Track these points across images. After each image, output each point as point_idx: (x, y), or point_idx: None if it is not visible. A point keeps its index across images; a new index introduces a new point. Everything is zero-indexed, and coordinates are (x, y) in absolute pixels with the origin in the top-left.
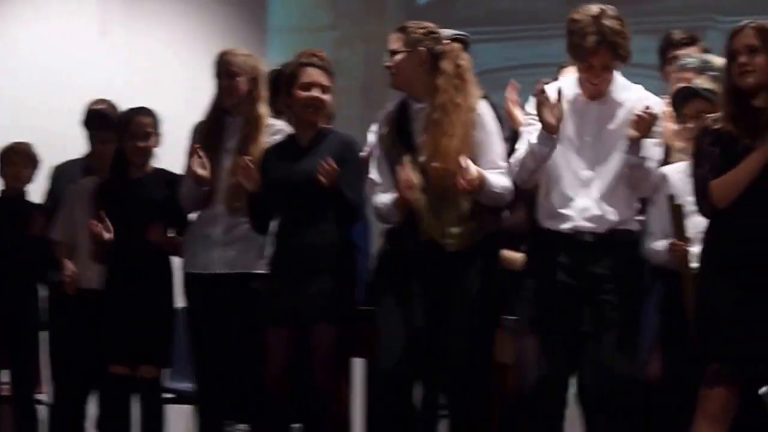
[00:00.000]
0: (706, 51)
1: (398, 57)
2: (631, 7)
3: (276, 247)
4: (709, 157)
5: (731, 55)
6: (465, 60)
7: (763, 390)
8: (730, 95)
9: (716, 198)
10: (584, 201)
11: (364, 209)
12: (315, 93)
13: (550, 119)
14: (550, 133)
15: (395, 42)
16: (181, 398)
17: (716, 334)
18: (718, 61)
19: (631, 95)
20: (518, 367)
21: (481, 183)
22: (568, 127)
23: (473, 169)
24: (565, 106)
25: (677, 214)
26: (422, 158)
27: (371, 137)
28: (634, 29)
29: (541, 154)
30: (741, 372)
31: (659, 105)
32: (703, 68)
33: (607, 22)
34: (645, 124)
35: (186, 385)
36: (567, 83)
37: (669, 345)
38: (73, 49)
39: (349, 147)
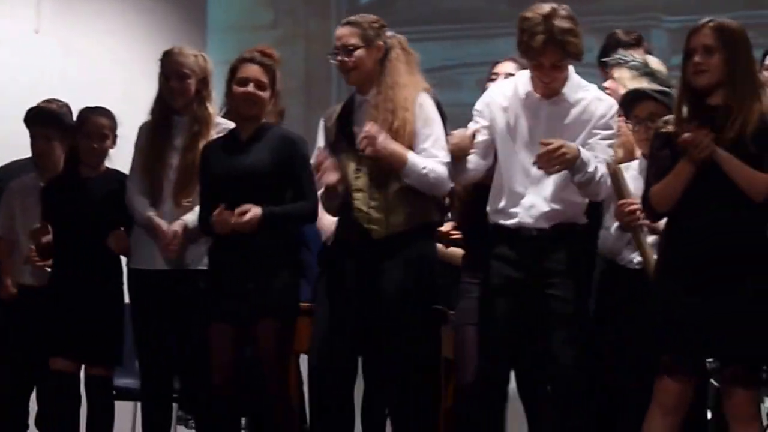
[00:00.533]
0: (649, 52)
1: (358, 53)
2: (575, 7)
3: (216, 243)
4: (657, 162)
5: (687, 53)
6: (411, 50)
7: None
8: (685, 95)
9: (655, 204)
10: (534, 198)
11: (315, 206)
12: (250, 88)
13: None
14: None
15: (351, 37)
16: (126, 394)
17: (667, 327)
18: (657, 64)
19: (587, 95)
20: (459, 361)
21: (388, 151)
22: (521, 125)
23: (382, 135)
24: (517, 103)
25: (616, 177)
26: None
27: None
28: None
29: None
30: (692, 364)
31: (614, 106)
32: (616, 63)
33: (557, 21)
34: (547, 157)
35: (131, 382)
36: (521, 80)
37: (620, 340)
38: (8, 47)
39: (292, 144)
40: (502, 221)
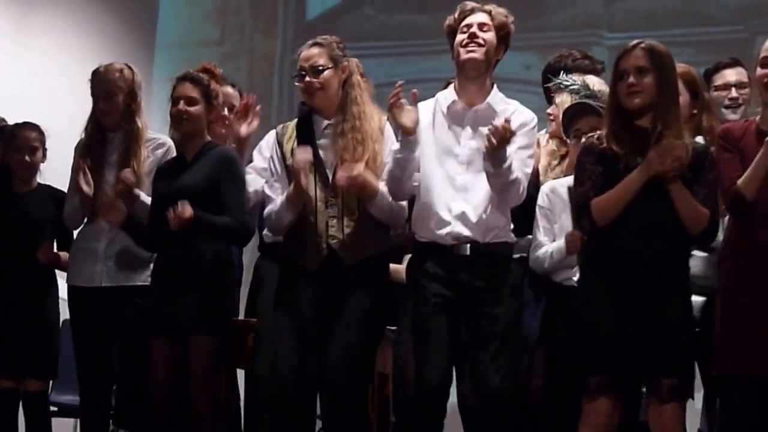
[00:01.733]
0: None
1: (327, 73)
2: (516, 24)
3: (157, 260)
4: (591, 176)
5: (619, 74)
6: (356, 67)
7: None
8: (614, 114)
9: (596, 216)
10: (460, 209)
11: (245, 226)
12: (180, 106)
13: (405, 121)
14: (406, 134)
15: (320, 57)
16: (64, 411)
17: (595, 347)
18: (598, 84)
19: (509, 107)
20: (399, 377)
21: (365, 185)
22: (445, 136)
23: (359, 168)
24: (440, 117)
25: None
26: (329, 170)
27: (257, 155)
28: (519, 45)
29: (403, 159)
30: (620, 383)
31: (534, 118)
32: (557, 87)
33: (492, 6)
34: (498, 135)
35: (70, 398)
36: (443, 94)
37: (551, 359)
38: None
39: (225, 162)
40: (432, 237)
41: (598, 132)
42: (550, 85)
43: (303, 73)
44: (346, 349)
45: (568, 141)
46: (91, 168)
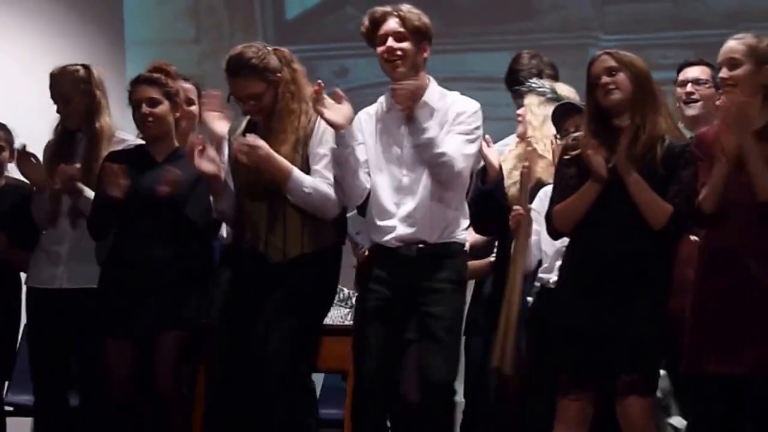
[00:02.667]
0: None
1: (264, 101)
2: (512, 26)
3: (114, 259)
4: (562, 180)
5: (592, 81)
6: (299, 67)
7: None
8: (593, 115)
9: (557, 223)
10: (405, 211)
11: (208, 228)
12: (143, 110)
13: (331, 117)
14: (338, 130)
15: (255, 87)
16: (21, 411)
17: (564, 346)
18: (567, 90)
19: (447, 101)
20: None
21: (268, 159)
22: (388, 138)
23: (261, 144)
24: (383, 119)
25: (524, 180)
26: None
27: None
28: (514, 47)
29: (338, 155)
30: (590, 381)
31: (473, 107)
32: (527, 90)
33: (400, 6)
34: (398, 93)
35: (26, 398)
36: (384, 97)
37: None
38: None
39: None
40: (378, 238)
41: (575, 134)
42: (520, 87)
43: (240, 102)
44: (275, 348)
45: (558, 141)
46: (56, 169)
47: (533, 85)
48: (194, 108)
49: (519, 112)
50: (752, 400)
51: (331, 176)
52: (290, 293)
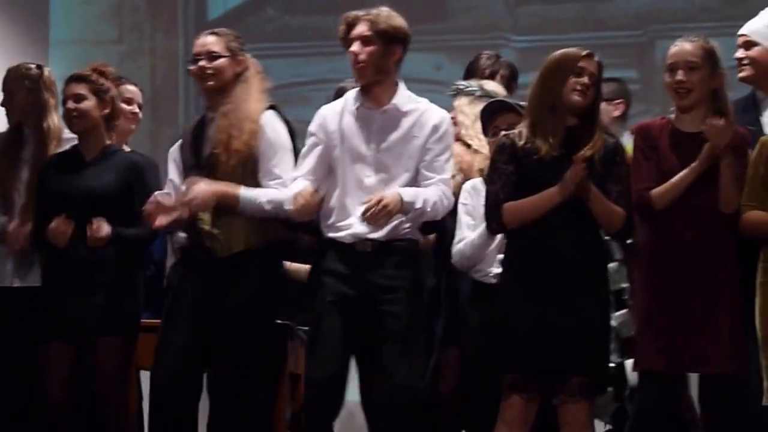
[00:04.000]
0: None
1: (221, 61)
2: (425, 25)
3: (51, 261)
4: (502, 175)
5: (576, 71)
6: (253, 65)
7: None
8: (546, 110)
9: (506, 220)
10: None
11: (155, 235)
12: (69, 105)
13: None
14: None
15: (216, 45)
16: None
17: (511, 346)
18: (494, 86)
19: (419, 106)
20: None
21: (216, 198)
22: (354, 138)
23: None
24: (349, 117)
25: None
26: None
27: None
28: (429, 47)
29: None
30: (534, 381)
31: (446, 119)
32: (455, 93)
33: (373, 10)
34: (371, 214)
35: None
36: (351, 95)
37: (466, 359)
38: None
39: (140, 171)
40: (338, 235)
41: (513, 130)
42: (450, 92)
43: (198, 58)
44: (235, 353)
45: (488, 139)
46: (4, 163)
47: (460, 86)
48: (134, 108)
49: (451, 115)
50: (709, 399)
51: (283, 175)
52: (242, 297)
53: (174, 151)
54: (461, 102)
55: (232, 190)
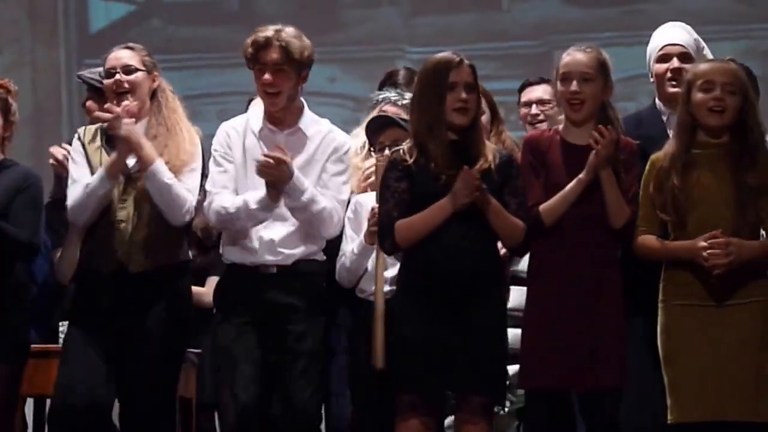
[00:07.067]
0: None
1: (137, 75)
2: (318, 37)
3: None
4: (395, 193)
5: (449, 86)
6: (165, 82)
7: (448, 421)
8: (436, 128)
9: (398, 239)
10: (269, 236)
11: (36, 244)
12: None
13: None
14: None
15: (131, 59)
16: None
17: (406, 365)
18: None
19: (321, 128)
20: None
21: (138, 143)
22: (254, 157)
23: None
24: (252, 138)
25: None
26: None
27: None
28: (322, 59)
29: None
30: (431, 402)
31: (348, 141)
32: (399, 100)
33: (283, 33)
34: (264, 167)
35: None
36: (253, 115)
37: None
38: None
39: (28, 184)
40: (241, 259)
41: (402, 146)
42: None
43: (113, 71)
44: (147, 375)
45: (373, 154)
46: None
47: (383, 95)
48: None
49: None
50: (592, 415)
51: (189, 184)
52: (153, 317)
53: (75, 152)
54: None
55: (152, 153)
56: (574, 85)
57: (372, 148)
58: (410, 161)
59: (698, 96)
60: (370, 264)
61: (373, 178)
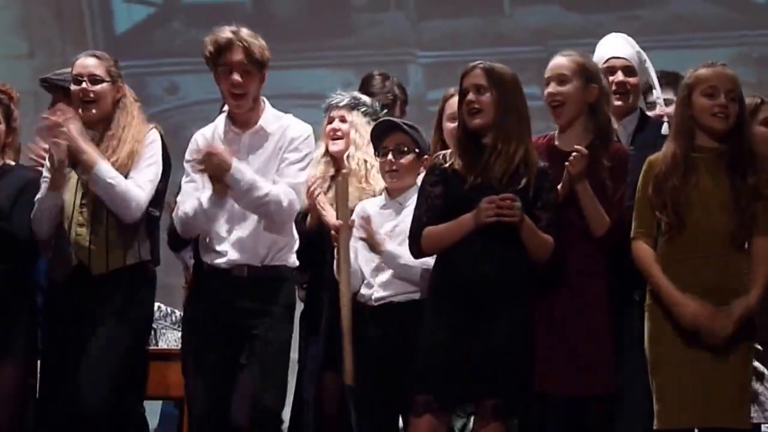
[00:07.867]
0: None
1: (103, 86)
2: (329, 42)
3: None
4: (428, 198)
5: (461, 94)
6: (129, 92)
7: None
8: (461, 132)
9: (424, 245)
10: (237, 234)
11: (29, 244)
12: None
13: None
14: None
15: (97, 68)
16: None
17: (423, 366)
18: (366, 98)
19: (283, 122)
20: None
21: (79, 145)
22: None
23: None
24: (219, 143)
25: (337, 190)
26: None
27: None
28: (336, 63)
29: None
30: (446, 403)
31: (307, 130)
32: (354, 105)
33: (243, 34)
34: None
35: None
36: (220, 120)
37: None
38: None
39: (26, 186)
40: (211, 260)
41: (444, 151)
42: (335, 101)
43: (80, 79)
44: (99, 382)
45: (378, 159)
46: None
47: (366, 103)
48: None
49: (334, 126)
50: (589, 420)
51: (141, 182)
52: (112, 316)
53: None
54: (358, 120)
55: (95, 154)
56: (551, 87)
57: (376, 152)
58: (446, 165)
59: (701, 101)
60: (367, 269)
61: (319, 191)
